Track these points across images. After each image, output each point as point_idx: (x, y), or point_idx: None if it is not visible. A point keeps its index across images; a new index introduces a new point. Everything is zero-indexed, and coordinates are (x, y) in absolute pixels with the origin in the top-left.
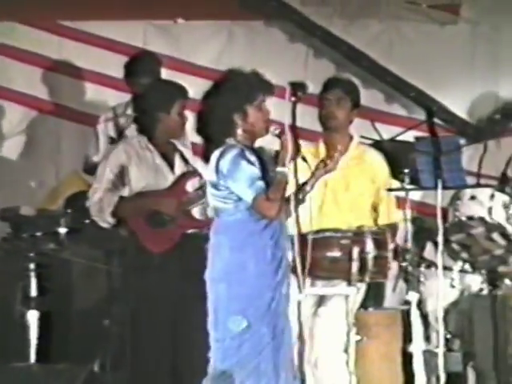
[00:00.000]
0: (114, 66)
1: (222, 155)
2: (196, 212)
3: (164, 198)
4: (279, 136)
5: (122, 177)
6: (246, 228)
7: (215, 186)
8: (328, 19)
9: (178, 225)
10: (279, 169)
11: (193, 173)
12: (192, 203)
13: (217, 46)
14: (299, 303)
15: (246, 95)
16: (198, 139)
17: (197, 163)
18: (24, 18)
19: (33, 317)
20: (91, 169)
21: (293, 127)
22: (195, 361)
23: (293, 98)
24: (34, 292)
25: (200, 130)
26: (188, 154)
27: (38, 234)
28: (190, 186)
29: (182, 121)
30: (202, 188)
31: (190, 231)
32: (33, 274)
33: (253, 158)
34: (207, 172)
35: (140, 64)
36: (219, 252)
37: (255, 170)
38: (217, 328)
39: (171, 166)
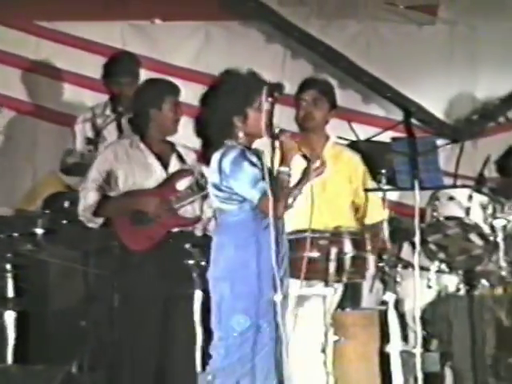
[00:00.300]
0: (91, 66)
1: (223, 156)
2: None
3: (148, 196)
4: (278, 136)
5: (109, 177)
6: (249, 227)
7: (218, 187)
8: (305, 20)
9: (162, 223)
10: (282, 168)
11: (185, 171)
12: (179, 202)
13: (194, 47)
14: (276, 304)
15: (246, 98)
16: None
17: (198, 166)
18: (1, 18)
19: (10, 317)
20: (68, 169)
21: (270, 127)
22: (178, 360)
23: (269, 99)
24: (10, 293)
25: (199, 132)
26: (188, 155)
27: (15, 234)
28: (182, 184)
29: (175, 117)
30: (192, 187)
31: (175, 230)
32: (9, 275)
33: (254, 159)
34: (209, 173)
35: (119, 64)
36: (223, 252)
37: (257, 171)
38: (220, 327)
39: (166, 165)
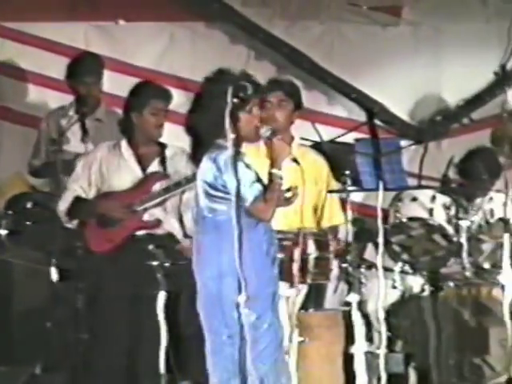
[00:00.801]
0: (55, 67)
1: (217, 155)
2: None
3: (109, 200)
4: (270, 138)
5: (89, 179)
6: (242, 224)
7: (212, 186)
8: (269, 21)
9: (124, 226)
10: (274, 171)
11: (157, 175)
12: (141, 205)
13: (158, 48)
14: (239, 305)
15: (239, 101)
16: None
17: (186, 169)
18: None
19: None
20: (36, 172)
21: (233, 127)
22: (143, 361)
23: (234, 100)
24: None
25: (190, 130)
26: (175, 158)
27: None
28: (157, 187)
29: (158, 122)
30: (159, 191)
31: (139, 232)
32: None
33: (248, 161)
34: (201, 173)
35: (82, 65)
36: (215, 250)
37: (252, 173)
38: (227, 325)
39: (145, 168)
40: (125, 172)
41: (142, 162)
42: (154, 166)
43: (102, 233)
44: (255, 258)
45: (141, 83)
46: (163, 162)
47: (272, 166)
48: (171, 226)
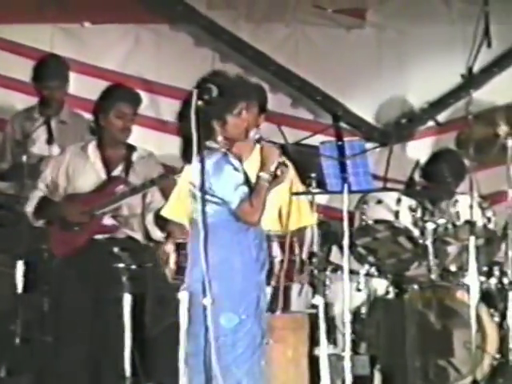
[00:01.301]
0: (20, 69)
1: (206, 157)
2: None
3: (69, 203)
4: (259, 141)
5: (56, 180)
6: (232, 227)
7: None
8: (234, 23)
9: (84, 230)
10: (261, 174)
11: (119, 179)
12: (101, 209)
13: (123, 50)
14: (206, 308)
15: (227, 105)
16: None
17: (149, 174)
18: None
19: None
20: (3, 175)
21: (199, 131)
22: (107, 363)
23: (199, 102)
24: None
25: (180, 130)
26: (141, 162)
27: None
28: (116, 191)
29: (124, 125)
30: (119, 195)
31: (98, 236)
32: None
33: (237, 164)
34: (190, 175)
35: (47, 68)
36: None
37: (239, 176)
38: (208, 328)
39: (111, 171)
40: (90, 174)
41: (108, 165)
42: (119, 170)
43: (63, 236)
44: (244, 262)
45: (110, 86)
46: (128, 165)
47: (261, 169)
48: (132, 228)
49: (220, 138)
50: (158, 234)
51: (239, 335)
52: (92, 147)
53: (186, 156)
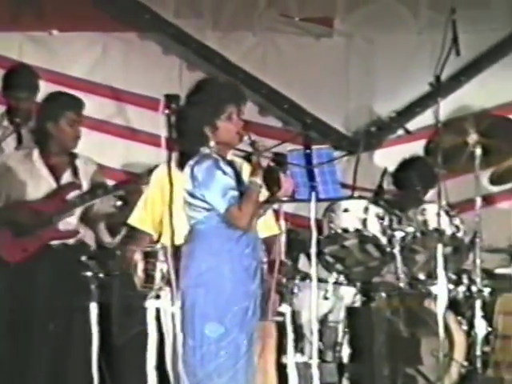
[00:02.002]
0: None
1: (196, 164)
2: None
3: (25, 209)
4: (253, 145)
5: (0, 187)
6: (223, 234)
7: (192, 195)
8: (201, 32)
9: (39, 236)
10: (252, 179)
11: (73, 185)
12: (58, 215)
13: (91, 58)
14: (173, 315)
15: (216, 109)
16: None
17: (97, 178)
18: None
19: None
20: None
21: (169, 139)
22: (74, 372)
23: (167, 111)
24: None
25: (176, 138)
26: (87, 169)
27: None
28: (69, 198)
29: (74, 133)
30: (75, 201)
31: (54, 242)
32: None
33: (228, 169)
34: (183, 181)
35: (17, 77)
36: (193, 259)
37: (229, 181)
38: (194, 335)
39: (58, 178)
40: (37, 181)
41: (55, 172)
42: (68, 176)
43: (17, 242)
44: (233, 271)
45: (55, 92)
46: (76, 172)
47: (252, 174)
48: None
49: (212, 144)
50: (108, 240)
51: (222, 344)
52: (36, 155)
53: (182, 164)
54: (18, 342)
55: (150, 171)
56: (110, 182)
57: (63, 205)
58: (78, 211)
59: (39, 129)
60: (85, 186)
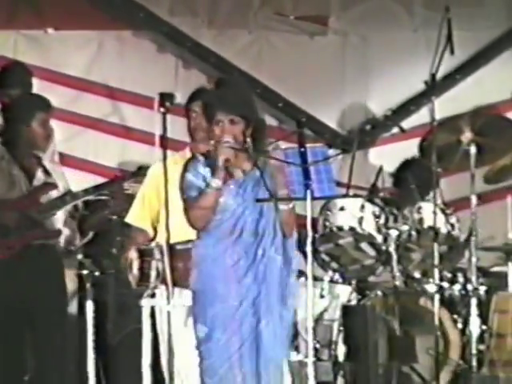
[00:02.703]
0: None
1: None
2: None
3: (8, 209)
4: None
5: None
6: (214, 233)
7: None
8: (197, 30)
9: (22, 235)
10: (212, 180)
11: (49, 185)
12: (41, 214)
13: (87, 56)
14: (169, 314)
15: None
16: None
17: (64, 180)
18: None
19: None
20: None
21: (163, 137)
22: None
23: (161, 109)
24: None
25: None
26: (53, 168)
27: None
28: (45, 198)
29: (46, 133)
30: (55, 200)
31: (37, 241)
32: None
33: (199, 168)
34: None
35: (9, 76)
36: (195, 262)
37: (194, 180)
38: (195, 337)
39: (31, 178)
40: (12, 181)
41: (28, 172)
42: (39, 176)
43: (1, 241)
44: (212, 271)
45: (24, 95)
46: (46, 171)
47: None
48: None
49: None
50: (77, 242)
51: (209, 345)
52: (7, 156)
53: None
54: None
55: (139, 169)
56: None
57: (39, 205)
58: (61, 212)
59: (11, 131)
60: (60, 186)
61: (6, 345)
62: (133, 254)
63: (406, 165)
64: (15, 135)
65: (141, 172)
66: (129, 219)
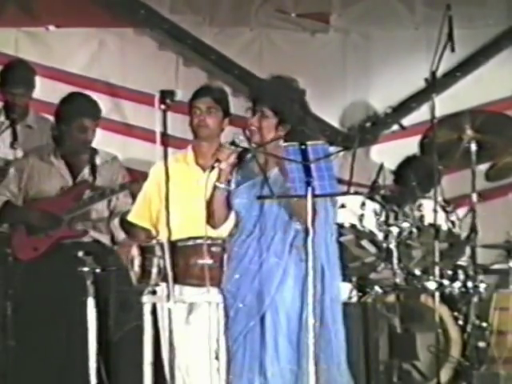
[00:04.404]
0: None
1: None
2: None
3: (35, 210)
4: (233, 144)
5: (20, 184)
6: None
7: None
8: (198, 27)
9: (50, 235)
10: (217, 184)
11: (88, 183)
12: (71, 214)
13: (88, 54)
14: (170, 311)
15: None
16: None
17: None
18: None
19: None
20: None
21: (164, 135)
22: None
23: (162, 106)
24: None
25: None
26: (105, 165)
27: None
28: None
29: (85, 138)
30: (85, 200)
31: (67, 241)
32: None
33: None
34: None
35: (12, 74)
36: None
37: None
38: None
39: (76, 175)
40: (55, 179)
41: (73, 170)
42: (85, 174)
43: (28, 240)
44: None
45: (73, 95)
46: (94, 169)
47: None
48: (100, 231)
49: None
50: (123, 237)
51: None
52: (55, 152)
53: None
54: (25, 342)
55: None
56: None
57: (75, 204)
58: (92, 209)
59: (56, 129)
60: (101, 184)
61: (36, 345)
62: (134, 251)
63: (407, 162)
64: (60, 132)
65: None
66: (131, 217)
